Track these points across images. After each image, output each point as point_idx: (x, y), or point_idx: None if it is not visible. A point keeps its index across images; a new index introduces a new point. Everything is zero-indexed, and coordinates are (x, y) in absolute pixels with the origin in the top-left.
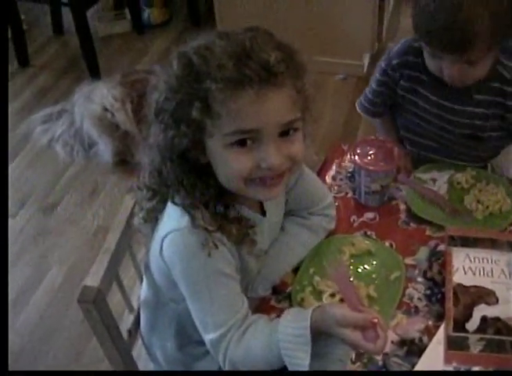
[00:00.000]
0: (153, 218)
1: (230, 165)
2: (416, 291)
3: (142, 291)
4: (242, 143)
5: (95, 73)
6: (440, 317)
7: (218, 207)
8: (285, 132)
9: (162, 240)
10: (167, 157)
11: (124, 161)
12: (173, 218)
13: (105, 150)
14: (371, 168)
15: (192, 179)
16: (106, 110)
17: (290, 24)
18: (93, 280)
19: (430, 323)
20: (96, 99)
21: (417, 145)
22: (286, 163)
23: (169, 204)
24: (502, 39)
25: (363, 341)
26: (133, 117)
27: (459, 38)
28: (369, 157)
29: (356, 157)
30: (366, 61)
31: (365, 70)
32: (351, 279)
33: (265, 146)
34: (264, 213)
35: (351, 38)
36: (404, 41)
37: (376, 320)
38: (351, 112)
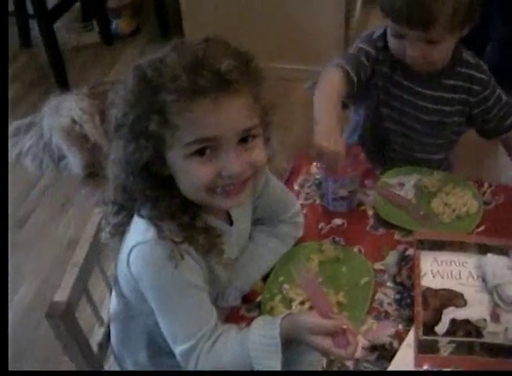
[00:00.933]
0: (120, 232)
1: (191, 175)
2: (386, 295)
3: (112, 304)
4: (201, 153)
5: (63, 85)
6: (410, 321)
7: (184, 218)
8: (244, 139)
9: (129, 253)
10: (130, 171)
11: (94, 173)
12: (139, 230)
13: (74, 162)
14: (337, 174)
15: (156, 192)
16: (74, 122)
17: (258, 32)
18: (61, 294)
19: (400, 327)
20: (65, 111)
21: (382, 141)
22: (248, 170)
23: (135, 217)
24: (464, 23)
25: (334, 348)
26: (102, 128)
27: (423, 14)
28: None
29: (323, 164)
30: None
31: None
32: (321, 285)
33: (225, 154)
34: (231, 222)
35: (318, 45)
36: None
37: (346, 326)
38: None
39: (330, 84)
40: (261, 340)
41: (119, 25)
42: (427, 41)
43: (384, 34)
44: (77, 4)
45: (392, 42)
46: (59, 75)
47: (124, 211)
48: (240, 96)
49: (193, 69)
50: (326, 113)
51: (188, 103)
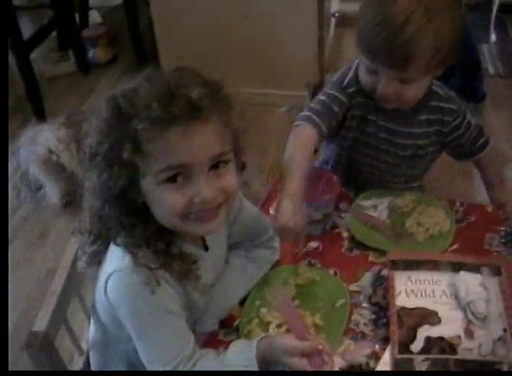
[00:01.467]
0: (97, 261)
1: (164, 203)
2: (362, 316)
3: (91, 333)
4: (173, 180)
5: (40, 115)
6: (386, 341)
7: (159, 245)
8: (215, 165)
9: (106, 281)
10: (104, 199)
11: (72, 202)
12: (115, 258)
13: (52, 192)
14: (311, 197)
15: (131, 219)
16: (51, 152)
17: (233, 58)
18: (40, 324)
19: (376, 347)
20: (41, 141)
21: (355, 174)
22: (220, 196)
23: (111, 245)
24: (443, 63)
25: (310, 368)
26: (78, 157)
27: (401, 54)
28: (309, 187)
29: None
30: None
31: (308, 100)
32: (296, 308)
33: (196, 180)
34: (206, 248)
35: (293, 70)
36: (354, 69)
37: (321, 347)
38: None
39: (302, 145)
40: (237, 362)
41: (95, 54)
42: (401, 79)
43: (355, 77)
44: (53, 34)
45: (365, 78)
46: (36, 105)
47: (100, 239)
48: (211, 123)
49: (165, 98)
50: (295, 180)
51: (160, 131)
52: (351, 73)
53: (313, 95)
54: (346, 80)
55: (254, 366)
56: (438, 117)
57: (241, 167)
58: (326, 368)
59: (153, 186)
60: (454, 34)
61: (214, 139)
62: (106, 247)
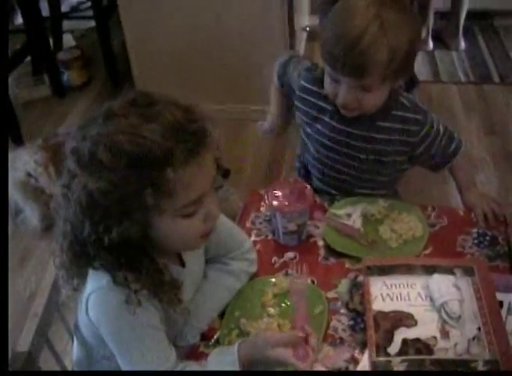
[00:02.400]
0: (80, 288)
1: (184, 232)
2: (340, 322)
3: (75, 352)
4: (193, 212)
5: (17, 139)
6: (365, 345)
7: (143, 268)
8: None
9: (86, 301)
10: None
11: (52, 225)
12: (95, 277)
13: (32, 215)
14: (285, 209)
15: (113, 246)
16: (29, 175)
17: (207, 78)
18: (23, 345)
19: (355, 351)
20: (19, 165)
21: (325, 175)
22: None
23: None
24: (397, 74)
25: (294, 358)
26: (57, 180)
27: (357, 63)
28: (282, 199)
29: (271, 200)
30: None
31: None
32: (305, 297)
33: (206, 203)
34: (183, 264)
35: (266, 85)
36: (308, 70)
37: (307, 333)
38: (274, 158)
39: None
40: (221, 368)
41: (70, 77)
42: (360, 87)
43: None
44: (27, 58)
45: (328, 86)
46: (13, 130)
47: (78, 269)
48: (210, 148)
49: (176, 136)
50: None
51: (182, 170)
52: (303, 72)
53: None
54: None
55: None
56: (404, 126)
57: (225, 174)
58: (309, 361)
59: (170, 221)
60: (407, 46)
61: (212, 162)
62: (87, 273)
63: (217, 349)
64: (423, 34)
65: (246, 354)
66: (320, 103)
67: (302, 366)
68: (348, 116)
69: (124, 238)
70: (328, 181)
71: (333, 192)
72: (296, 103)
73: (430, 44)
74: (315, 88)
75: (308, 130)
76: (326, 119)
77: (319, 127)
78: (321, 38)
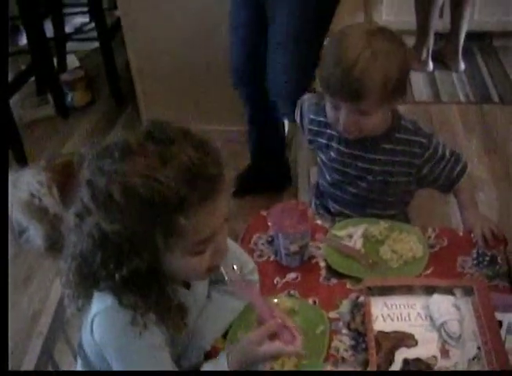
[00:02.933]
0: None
1: (193, 268)
2: (342, 342)
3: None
4: (203, 250)
5: (21, 160)
6: (366, 365)
7: (147, 290)
8: None
9: (91, 322)
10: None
11: (56, 244)
12: (100, 298)
13: (36, 235)
14: (288, 230)
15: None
16: (33, 195)
17: (214, 98)
18: (28, 364)
19: None
20: (23, 186)
21: (334, 198)
22: None
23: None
24: (393, 96)
25: (285, 347)
26: (60, 200)
27: (354, 89)
28: (284, 221)
29: (273, 222)
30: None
31: None
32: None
33: (216, 240)
34: (187, 285)
35: None
36: (310, 101)
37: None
38: None
39: None
40: None
41: (74, 98)
42: (359, 111)
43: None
44: (32, 78)
45: (329, 113)
46: (16, 150)
47: (86, 288)
48: (226, 188)
49: (191, 182)
50: None
51: (193, 213)
52: (306, 105)
53: None
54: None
55: None
56: (407, 148)
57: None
58: (298, 342)
59: (179, 258)
60: (398, 71)
61: (226, 201)
62: (91, 293)
63: (205, 365)
64: (424, 55)
65: (236, 361)
66: (328, 131)
67: (296, 349)
68: (351, 138)
69: (134, 272)
70: (342, 202)
71: (348, 212)
72: (309, 137)
73: (431, 65)
74: (321, 118)
75: (323, 157)
76: (335, 145)
77: (332, 154)
78: (319, 68)
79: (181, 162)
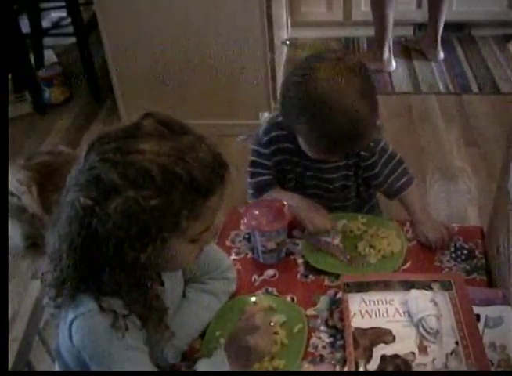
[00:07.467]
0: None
1: (187, 255)
2: (320, 339)
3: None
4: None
5: None
6: (345, 362)
7: (134, 295)
8: None
9: (70, 326)
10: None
11: (35, 244)
12: (77, 302)
13: (14, 234)
14: (264, 228)
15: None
16: (12, 194)
17: (189, 94)
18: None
19: (336, 369)
20: None
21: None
22: None
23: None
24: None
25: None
26: (39, 199)
27: (344, 152)
28: (261, 218)
29: (249, 219)
30: (264, 119)
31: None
32: None
33: (210, 231)
34: (162, 283)
35: (247, 100)
36: (268, 120)
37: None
38: None
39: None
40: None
41: (52, 94)
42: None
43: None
44: (8, 75)
45: (312, 155)
46: None
47: (65, 290)
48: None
49: (215, 169)
50: (290, 196)
51: (214, 198)
52: (262, 127)
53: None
54: (258, 135)
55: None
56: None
57: None
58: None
59: (182, 244)
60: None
61: None
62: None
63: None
64: (386, 55)
65: (236, 356)
66: (287, 145)
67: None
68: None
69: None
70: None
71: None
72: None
73: (393, 63)
74: (279, 133)
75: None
76: (295, 159)
77: (288, 167)
78: (304, 136)
79: (203, 150)
